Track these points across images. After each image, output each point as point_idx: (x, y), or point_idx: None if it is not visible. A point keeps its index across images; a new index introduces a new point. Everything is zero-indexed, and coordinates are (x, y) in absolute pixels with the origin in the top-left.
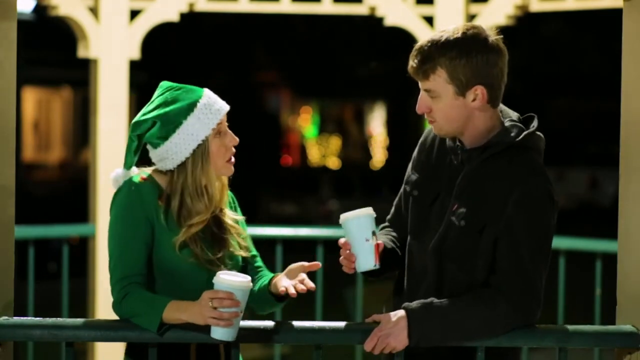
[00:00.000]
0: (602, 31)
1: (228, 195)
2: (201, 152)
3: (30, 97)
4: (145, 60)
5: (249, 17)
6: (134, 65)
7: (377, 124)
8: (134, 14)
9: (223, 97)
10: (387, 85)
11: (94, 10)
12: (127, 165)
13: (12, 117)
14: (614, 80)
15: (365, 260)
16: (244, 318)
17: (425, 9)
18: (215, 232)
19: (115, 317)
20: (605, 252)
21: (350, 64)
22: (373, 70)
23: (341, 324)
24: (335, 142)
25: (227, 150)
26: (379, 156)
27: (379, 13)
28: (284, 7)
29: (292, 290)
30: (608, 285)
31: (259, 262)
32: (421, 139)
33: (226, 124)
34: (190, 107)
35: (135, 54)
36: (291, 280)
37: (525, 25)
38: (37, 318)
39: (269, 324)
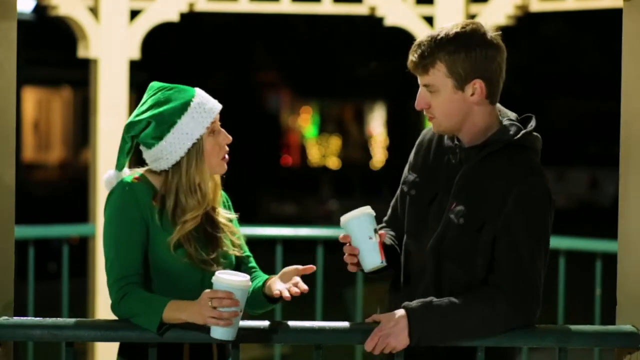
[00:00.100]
0: (602, 31)
1: (222, 195)
2: (196, 151)
3: (30, 97)
4: (145, 60)
5: (249, 17)
6: (134, 65)
7: (377, 124)
8: (134, 14)
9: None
10: (387, 85)
11: (94, 10)
12: (119, 167)
13: (12, 117)
14: (614, 80)
15: (372, 258)
16: (243, 318)
17: (425, 9)
18: (209, 231)
19: (115, 317)
20: (605, 252)
21: (350, 64)
22: (373, 70)
23: (341, 324)
24: (335, 142)
25: (221, 149)
26: (379, 156)
27: (379, 13)
28: (284, 7)
29: (286, 294)
30: (608, 285)
31: (253, 263)
32: (418, 140)
33: (219, 122)
34: (184, 106)
35: (135, 54)
36: (285, 284)
37: (525, 25)
38: (37, 318)
39: (269, 324)
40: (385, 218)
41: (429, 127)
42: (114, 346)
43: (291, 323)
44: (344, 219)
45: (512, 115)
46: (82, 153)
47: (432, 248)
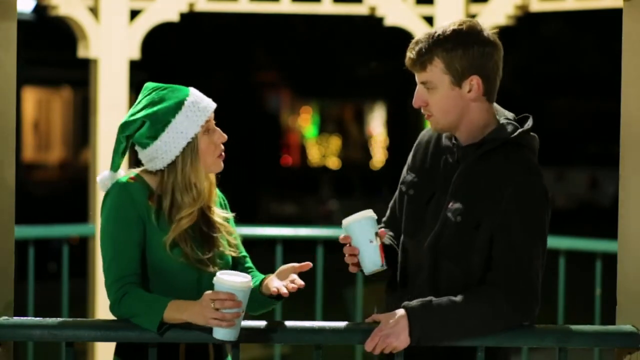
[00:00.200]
0: (602, 31)
1: (218, 195)
2: (190, 149)
3: (30, 97)
4: (145, 60)
5: (249, 17)
6: (134, 65)
7: (377, 124)
8: (134, 14)
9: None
10: (387, 85)
11: (94, 10)
12: (114, 167)
13: (12, 117)
14: (614, 80)
15: (372, 261)
16: (244, 318)
17: (425, 9)
18: (205, 231)
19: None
20: (605, 252)
21: (350, 64)
22: (373, 70)
23: (341, 324)
24: (335, 142)
25: (216, 147)
26: (379, 156)
27: (379, 13)
28: (284, 7)
29: (284, 290)
30: (608, 285)
31: (249, 263)
32: (417, 141)
33: (214, 121)
34: (179, 105)
35: (135, 54)
36: (282, 281)
37: (525, 25)
38: (37, 318)
39: (269, 324)
40: (384, 219)
41: (427, 129)
42: (114, 346)
43: (291, 323)
44: (346, 221)
45: (510, 115)
46: (82, 153)
47: (430, 246)
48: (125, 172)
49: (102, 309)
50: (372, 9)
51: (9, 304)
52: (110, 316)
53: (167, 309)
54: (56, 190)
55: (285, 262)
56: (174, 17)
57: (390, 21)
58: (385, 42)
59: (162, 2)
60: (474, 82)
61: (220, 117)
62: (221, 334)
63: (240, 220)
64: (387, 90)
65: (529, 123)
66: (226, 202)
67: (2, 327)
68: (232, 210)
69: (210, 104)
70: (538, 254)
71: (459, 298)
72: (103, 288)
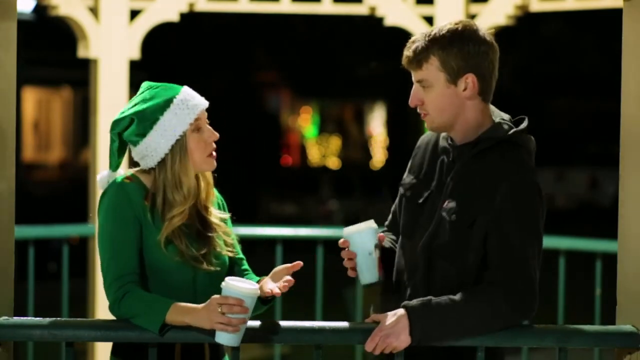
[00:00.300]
0: (602, 31)
1: (217, 197)
2: (179, 147)
3: (30, 97)
4: (145, 60)
5: (249, 17)
6: (134, 65)
7: (377, 124)
8: (134, 14)
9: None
10: (387, 85)
11: (94, 10)
12: (113, 167)
13: (12, 117)
14: (614, 80)
15: (370, 274)
16: None
17: (425, 9)
18: (201, 231)
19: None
20: (605, 252)
21: (350, 64)
22: (373, 70)
23: (341, 324)
24: (335, 142)
25: (206, 146)
26: (379, 156)
27: (379, 13)
28: (284, 7)
29: (276, 291)
30: (608, 285)
31: (246, 266)
32: (417, 144)
33: (206, 120)
34: (167, 103)
35: (135, 54)
36: (276, 283)
37: (525, 25)
38: (37, 318)
39: (269, 324)
40: (387, 222)
41: (428, 132)
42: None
43: (291, 323)
44: (347, 231)
45: (506, 116)
46: (82, 153)
47: (424, 246)
48: (124, 172)
49: (102, 309)
50: (372, 9)
51: (9, 304)
52: (110, 316)
53: (170, 311)
54: (56, 190)
55: (285, 262)
56: (174, 17)
57: (390, 21)
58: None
59: (162, 2)
60: (469, 81)
61: (220, 117)
62: (225, 339)
63: (240, 220)
64: (387, 90)
65: (525, 124)
66: (224, 203)
67: (2, 327)
68: (232, 211)
69: (200, 103)
70: (534, 252)
71: (458, 297)
72: (103, 288)
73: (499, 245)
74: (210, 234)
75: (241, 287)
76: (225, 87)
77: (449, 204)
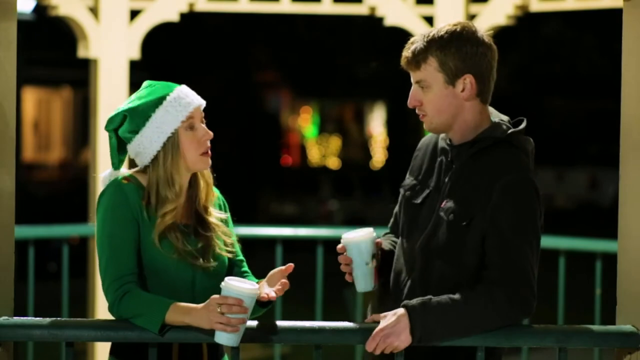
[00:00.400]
0: (602, 31)
1: (219, 197)
2: (171, 145)
3: (30, 97)
4: (145, 60)
5: (249, 17)
6: (134, 65)
7: (377, 124)
8: (134, 14)
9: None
10: (387, 85)
11: (94, 10)
12: (114, 166)
13: (12, 117)
14: (614, 80)
15: (365, 282)
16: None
17: (425, 9)
18: (199, 231)
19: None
20: (605, 252)
21: (350, 64)
22: (373, 70)
23: (341, 324)
24: (335, 142)
25: (200, 144)
26: (379, 156)
27: (379, 13)
28: (284, 7)
29: (272, 294)
30: (608, 285)
31: (246, 267)
32: (418, 146)
33: (202, 119)
34: (160, 100)
35: (135, 54)
36: (272, 287)
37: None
38: (37, 318)
39: (269, 324)
40: (389, 224)
41: (428, 135)
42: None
43: (291, 323)
44: (345, 239)
45: (505, 117)
46: (82, 153)
47: (422, 246)
48: (126, 171)
49: (102, 309)
50: (372, 9)
51: (9, 304)
52: (110, 316)
53: (169, 311)
54: (56, 190)
55: (285, 262)
56: (174, 17)
57: (390, 21)
58: (385, 42)
59: (162, 2)
60: (468, 81)
61: (220, 117)
62: (224, 338)
63: (240, 220)
64: (387, 90)
65: (523, 125)
66: (225, 203)
67: (2, 327)
68: (232, 211)
69: (194, 101)
70: (532, 250)
71: (457, 296)
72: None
73: (497, 245)
74: (208, 234)
75: (240, 287)
76: (225, 87)
77: (447, 204)
